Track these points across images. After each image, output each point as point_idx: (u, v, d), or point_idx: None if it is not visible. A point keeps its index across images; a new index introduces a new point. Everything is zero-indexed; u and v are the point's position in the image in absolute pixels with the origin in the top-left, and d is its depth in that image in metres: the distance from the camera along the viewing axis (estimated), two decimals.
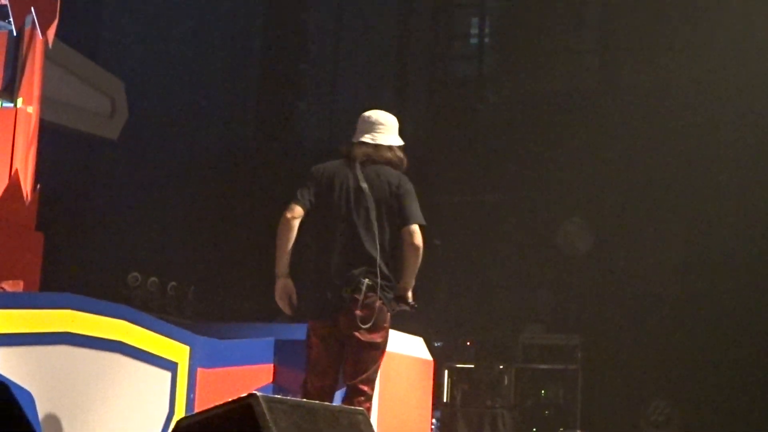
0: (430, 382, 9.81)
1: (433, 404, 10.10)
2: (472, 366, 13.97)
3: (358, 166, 6.82)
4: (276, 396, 5.03)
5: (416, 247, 6.81)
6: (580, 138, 15.20)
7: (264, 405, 4.41)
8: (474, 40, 16.90)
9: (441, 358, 13.01)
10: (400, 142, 7.01)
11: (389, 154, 6.92)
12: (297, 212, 6.68)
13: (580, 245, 15.06)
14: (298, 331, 8.56)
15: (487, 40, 16.80)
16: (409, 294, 6.95)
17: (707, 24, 14.88)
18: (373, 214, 6.71)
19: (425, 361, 9.68)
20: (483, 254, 15.56)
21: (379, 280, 6.67)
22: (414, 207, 6.85)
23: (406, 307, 6.97)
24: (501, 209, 15.60)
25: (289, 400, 5.08)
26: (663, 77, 15.37)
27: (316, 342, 6.88)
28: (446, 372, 13.83)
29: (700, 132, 14.82)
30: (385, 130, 6.94)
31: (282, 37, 16.61)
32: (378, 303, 6.71)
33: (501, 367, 13.93)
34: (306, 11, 17.04)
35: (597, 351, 14.50)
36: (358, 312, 6.64)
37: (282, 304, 6.87)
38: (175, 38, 14.62)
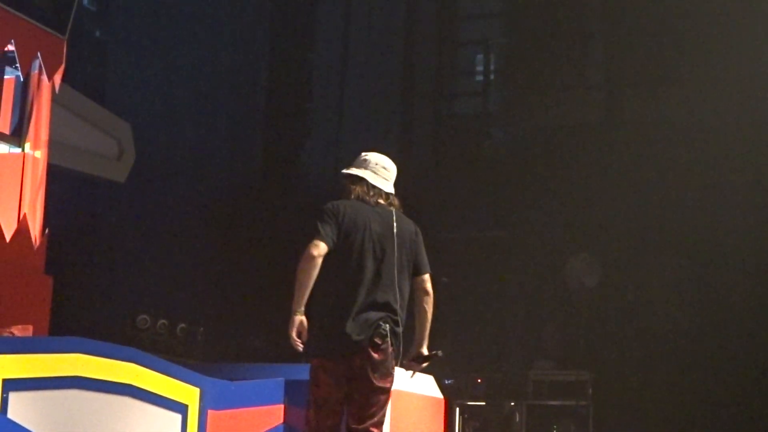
0: (441, 420, 9.78)
1: None
2: (483, 403, 13.91)
3: (380, 209, 6.81)
4: None
5: (430, 295, 6.82)
6: (586, 172, 15.20)
7: None
8: (479, 77, 16.94)
9: (452, 396, 12.95)
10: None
11: (398, 201, 6.94)
12: (322, 250, 6.57)
13: (587, 281, 15.03)
14: (307, 371, 8.55)
15: (492, 76, 16.84)
16: (424, 348, 6.93)
17: (711, 57, 14.92)
18: (395, 259, 6.70)
19: (436, 400, 9.66)
20: (491, 291, 15.53)
21: (399, 328, 6.67)
22: (425, 256, 6.86)
23: (426, 363, 6.94)
24: (508, 245, 15.58)
25: None
26: (668, 111, 15.39)
27: (327, 381, 6.83)
28: (457, 409, 13.76)
29: (709, 165, 14.81)
30: (392, 178, 6.96)
31: (288, 75, 16.66)
32: (391, 350, 6.69)
33: (512, 404, 13.87)
34: (311, 49, 17.11)
35: (607, 386, 14.44)
36: (376, 356, 6.61)
37: (296, 340, 6.81)
38: (181, 79, 14.68)
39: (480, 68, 16.92)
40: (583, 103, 15.81)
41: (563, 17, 16.01)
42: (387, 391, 6.76)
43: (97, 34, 13.95)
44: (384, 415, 6.80)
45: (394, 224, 6.79)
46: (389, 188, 6.95)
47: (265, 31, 16.78)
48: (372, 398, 6.69)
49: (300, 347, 6.60)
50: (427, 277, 6.87)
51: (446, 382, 13.69)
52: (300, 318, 6.59)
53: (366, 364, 6.63)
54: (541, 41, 16.02)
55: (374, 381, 6.65)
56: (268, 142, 16.46)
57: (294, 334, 6.57)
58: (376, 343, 6.60)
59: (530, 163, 15.58)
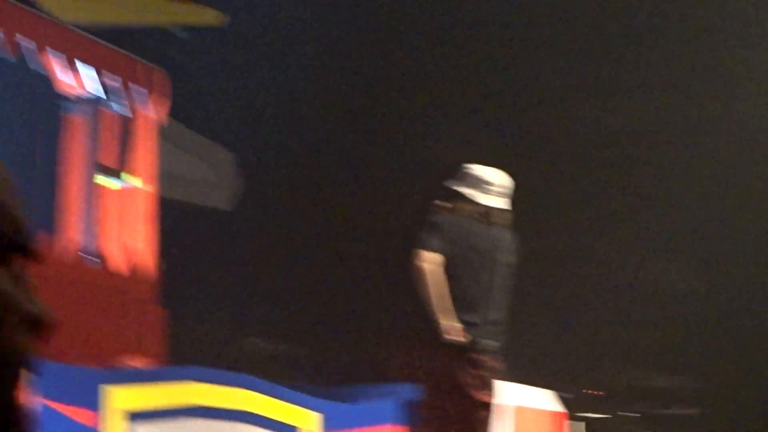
0: None
1: None
2: (610, 416, 13.77)
3: (498, 229, 6.80)
4: None
5: None
6: (676, 175, 15.00)
7: None
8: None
9: (572, 410, 12.86)
10: (509, 205, 6.95)
11: (499, 219, 6.90)
12: (431, 258, 6.45)
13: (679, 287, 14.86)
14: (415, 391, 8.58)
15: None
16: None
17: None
18: (500, 281, 6.72)
19: (558, 414, 9.65)
20: (592, 302, 15.36)
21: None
22: None
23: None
24: (597, 253, 15.39)
25: None
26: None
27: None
28: (584, 424, 13.60)
29: None
30: (499, 192, 6.90)
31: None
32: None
33: (638, 415, 13.73)
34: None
35: (722, 394, 14.22)
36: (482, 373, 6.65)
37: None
38: (282, 103, 14.81)
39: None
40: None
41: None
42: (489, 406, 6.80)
43: (195, 65, 14.14)
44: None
45: (510, 245, 6.81)
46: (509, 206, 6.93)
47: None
48: (477, 412, 6.75)
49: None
50: None
51: (563, 395, 13.60)
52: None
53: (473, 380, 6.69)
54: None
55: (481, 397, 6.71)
56: (367, 173, 16.39)
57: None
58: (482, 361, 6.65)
59: (610, 162, 15.38)
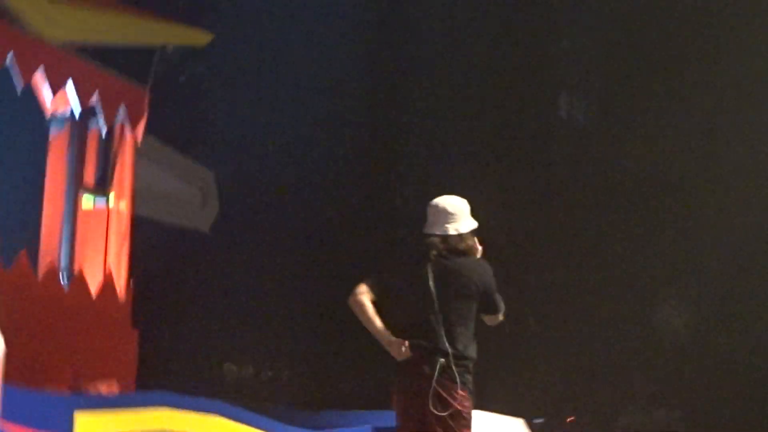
0: None
1: None
2: None
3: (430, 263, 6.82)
4: None
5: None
6: (674, 212, 14.96)
7: None
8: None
9: None
10: (469, 227, 6.89)
11: (462, 245, 6.87)
12: (361, 290, 6.77)
13: (678, 326, 14.77)
14: (392, 418, 8.47)
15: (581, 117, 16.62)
16: None
17: None
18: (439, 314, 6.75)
19: None
20: (578, 331, 15.28)
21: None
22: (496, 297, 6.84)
23: None
24: (594, 286, 15.34)
25: None
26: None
27: None
28: None
29: None
30: (454, 219, 6.87)
31: (383, 107, 16.57)
32: None
33: None
34: (405, 84, 16.96)
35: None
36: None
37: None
38: (266, 120, 14.71)
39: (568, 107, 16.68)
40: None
41: None
42: None
43: (182, 79, 14.05)
44: None
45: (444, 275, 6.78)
46: (455, 229, 6.88)
47: (360, 72, 16.74)
48: None
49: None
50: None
51: (535, 421, 13.50)
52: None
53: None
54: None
55: None
56: (362, 182, 16.32)
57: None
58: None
59: (617, 203, 15.36)
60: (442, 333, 6.67)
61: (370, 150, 16.11)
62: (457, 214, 6.85)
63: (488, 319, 6.85)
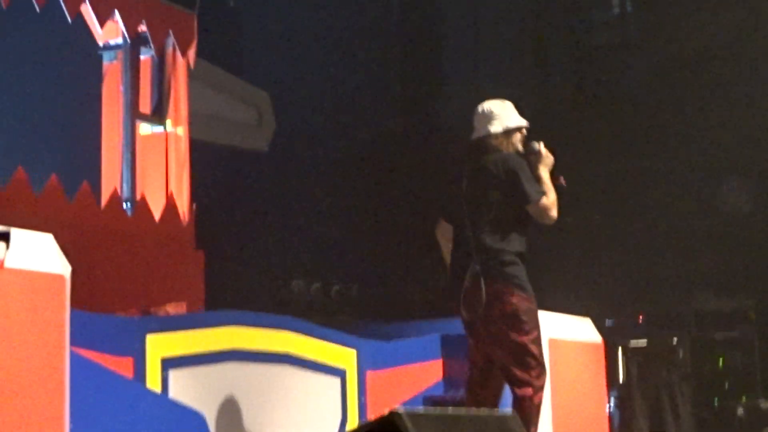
0: (602, 364, 9.65)
1: (608, 385, 9.94)
2: (645, 341, 13.66)
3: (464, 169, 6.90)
4: (418, 409, 5.02)
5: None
6: (730, 95, 14.72)
7: (408, 421, 4.32)
8: (616, 10, 16.54)
9: (614, 337, 12.73)
10: (502, 125, 6.88)
11: (493, 142, 6.84)
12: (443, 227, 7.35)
13: (742, 205, 14.62)
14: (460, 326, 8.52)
15: (629, 8, 16.42)
16: None
17: None
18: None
19: (595, 344, 9.54)
20: (639, 223, 15.17)
21: None
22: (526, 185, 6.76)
23: None
24: (654, 175, 15.19)
25: (434, 411, 5.06)
26: None
27: None
28: (620, 350, 13.50)
29: None
30: (487, 120, 6.88)
31: (420, 22, 16.53)
32: None
33: (675, 339, 13.58)
34: None
35: None
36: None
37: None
38: (315, 39, 14.70)
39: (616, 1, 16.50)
40: (719, 25, 15.24)
41: None
42: None
43: (231, 3, 14.05)
44: None
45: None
46: (487, 130, 6.90)
47: None
48: None
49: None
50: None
51: (607, 322, 13.48)
52: None
53: None
54: None
55: None
56: (406, 95, 16.38)
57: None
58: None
59: (671, 90, 15.18)
60: (471, 233, 6.72)
61: (412, 75, 16.13)
62: (490, 116, 6.89)
63: (532, 211, 6.75)
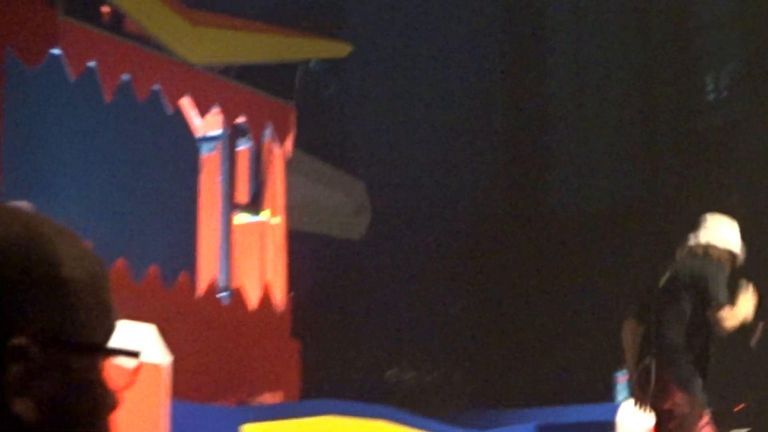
0: None
1: None
2: None
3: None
4: None
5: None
6: None
7: None
8: (712, 94, 16.39)
9: None
10: (718, 240, 7.03)
11: (700, 251, 7.01)
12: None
13: None
14: (562, 414, 8.41)
15: (725, 92, 16.27)
16: None
17: None
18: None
19: None
20: None
21: None
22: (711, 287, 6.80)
23: None
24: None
25: None
26: None
27: None
28: None
29: None
30: (708, 230, 7.09)
31: (523, 110, 16.53)
32: None
33: None
34: (546, 78, 16.91)
35: None
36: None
37: None
38: (416, 129, 14.79)
39: (711, 86, 16.36)
40: None
41: None
42: None
43: (324, 95, 14.25)
44: None
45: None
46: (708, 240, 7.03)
47: (498, 68, 16.73)
48: None
49: None
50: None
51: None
52: None
53: None
54: None
55: None
56: (510, 179, 16.31)
57: None
58: None
59: None
60: (653, 330, 6.81)
61: (516, 155, 16.06)
62: (711, 228, 7.06)
63: (712, 318, 6.71)
